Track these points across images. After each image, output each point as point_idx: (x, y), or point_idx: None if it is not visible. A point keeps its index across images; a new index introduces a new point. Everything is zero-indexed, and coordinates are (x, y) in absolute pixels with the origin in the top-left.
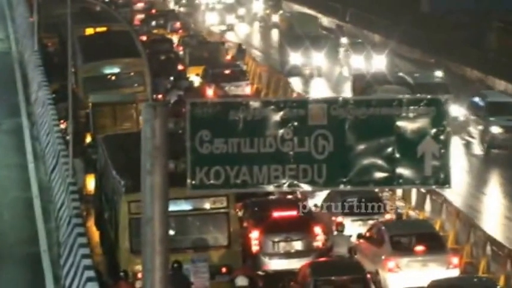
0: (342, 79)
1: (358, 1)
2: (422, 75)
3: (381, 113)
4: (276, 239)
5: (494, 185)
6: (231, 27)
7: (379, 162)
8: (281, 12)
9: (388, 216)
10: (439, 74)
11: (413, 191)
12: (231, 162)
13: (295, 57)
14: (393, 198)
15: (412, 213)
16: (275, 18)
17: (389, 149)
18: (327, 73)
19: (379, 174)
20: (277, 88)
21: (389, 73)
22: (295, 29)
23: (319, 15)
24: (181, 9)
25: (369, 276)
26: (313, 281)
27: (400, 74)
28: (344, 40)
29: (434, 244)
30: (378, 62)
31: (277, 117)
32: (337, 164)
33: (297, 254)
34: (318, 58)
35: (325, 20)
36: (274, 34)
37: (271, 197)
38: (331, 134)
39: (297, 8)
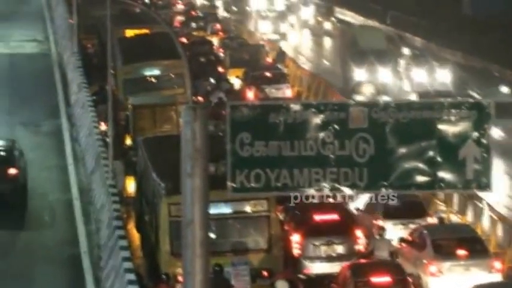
0: (403, 94)
1: (399, 3)
2: (488, 92)
3: (422, 116)
4: (317, 243)
5: None
6: (283, 36)
7: (421, 165)
8: (333, 19)
9: (430, 220)
10: (504, 89)
11: (455, 195)
12: (272, 165)
13: (359, 74)
14: (435, 202)
15: (454, 217)
16: (327, 25)
17: (431, 153)
18: (391, 89)
19: (420, 178)
20: (318, 91)
21: (455, 90)
22: (359, 43)
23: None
24: (232, 16)
25: (409, 279)
26: (353, 282)
27: (470, 92)
28: (405, 51)
29: (477, 248)
30: (442, 76)
31: (318, 120)
32: (378, 167)
33: (339, 258)
34: (384, 74)
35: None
36: (327, 42)
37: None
38: (372, 137)
39: (339, 11)
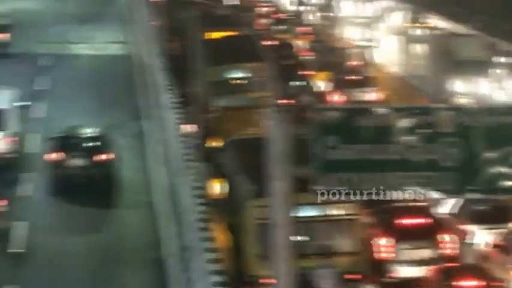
0: None
1: (485, 6)
2: None
3: (509, 121)
4: (405, 246)
5: None
6: (373, 42)
7: (508, 170)
8: (423, 24)
9: None
10: None
11: None
12: (357, 168)
13: (456, 85)
14: None
15: None
16: (416, 31)
17: None
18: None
19: (508, 182)
20: (405, 95)
21: None
22: (456, 52)
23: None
24: (321, 22)
25: (498, 283)
26: (441, 286)
27: None
28: (499, 60)
29: None
30: None
31: (404, 123)
32: (465, 171)
33: (426, 262)
34: (481, 85)
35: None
36: (416, 48)
37: (399, 203)
38: (459, 141)
39: (425, 15)
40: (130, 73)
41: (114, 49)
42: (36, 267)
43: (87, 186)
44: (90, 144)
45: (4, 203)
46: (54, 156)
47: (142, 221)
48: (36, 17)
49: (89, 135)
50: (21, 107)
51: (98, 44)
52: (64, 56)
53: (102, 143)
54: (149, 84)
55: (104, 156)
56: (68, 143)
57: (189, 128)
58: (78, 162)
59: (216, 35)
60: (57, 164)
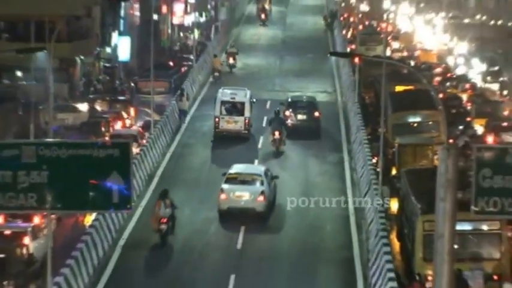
0: None
1: None
2: None
3: None
4: None
5: None
6: None
7: None
8: None
9: None
10: None
11: None
12: (507, 194)
13: None
14: None
15: None
16: None
17: None
18: None
19: None
20: None
21: None
22: None
23: None
24: (487, 85)
25: None
26: None
27: None
28: None
29: None
30: None
31: None
32: None
33: None
34: None
35: None
36: None
37: None
38: None
39: None
40: (334, 116)
41: (322, 97)
42: None
43: (307, 132)
44: (308, 105)
45: (278, 134)
46: (287, 113)
47: (337, 229)
48: (263, 70)
49: (307, 100)
50: (252, 102)
51: (309, 92)
52: (284, 101)
53: (315, 105)
54: (347, 125)
55: (317, 114)
56: (295, 104)
57: (376, 159)
58: (301, 116)
59: (401, 88)
60: (288, 118)
